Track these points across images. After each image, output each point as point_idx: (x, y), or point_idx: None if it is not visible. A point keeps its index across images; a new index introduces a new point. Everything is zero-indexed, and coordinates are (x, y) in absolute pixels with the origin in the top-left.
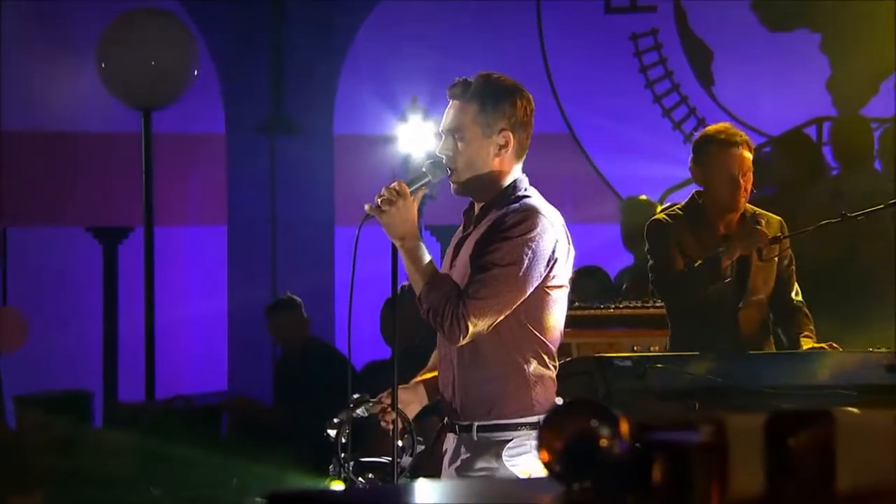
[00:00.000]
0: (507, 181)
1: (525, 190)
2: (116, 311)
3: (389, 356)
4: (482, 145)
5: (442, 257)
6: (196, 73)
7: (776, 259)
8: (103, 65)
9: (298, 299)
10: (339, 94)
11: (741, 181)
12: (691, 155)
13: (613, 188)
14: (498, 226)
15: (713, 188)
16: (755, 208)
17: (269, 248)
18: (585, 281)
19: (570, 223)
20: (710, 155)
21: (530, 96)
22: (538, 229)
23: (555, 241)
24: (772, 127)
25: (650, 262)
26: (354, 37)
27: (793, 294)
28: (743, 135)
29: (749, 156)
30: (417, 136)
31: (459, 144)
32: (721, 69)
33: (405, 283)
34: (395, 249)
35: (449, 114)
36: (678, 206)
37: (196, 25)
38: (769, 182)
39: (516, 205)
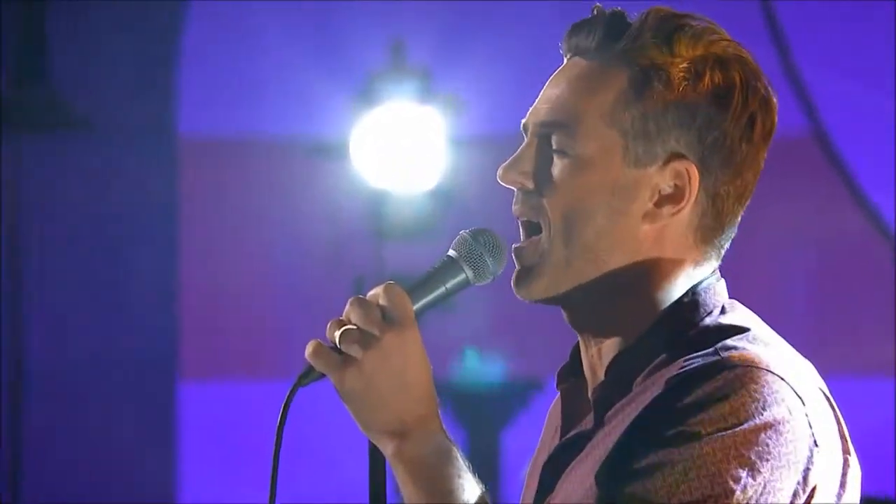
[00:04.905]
0: (677, 287)
1: (721, 312)
2: None
3: None
4: (620, 184)
5: None
6: None
7: None
8: None
9: None
10: (189, 48)
11: None
12: None
13: None
14: (666, 406)
15: None
16: None
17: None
18: None
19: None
20: None
21: (763, 77)
22: (767, 416)
23: (809, 443)
24: None
25: None
26: None
27: None
28: None
29: None
30: (391, 138)
31: (561, 166)
32: None
33: None
34: (375, 453)
35: (555, 87)
36: None
37: None
38: None
39: (709, 354)
